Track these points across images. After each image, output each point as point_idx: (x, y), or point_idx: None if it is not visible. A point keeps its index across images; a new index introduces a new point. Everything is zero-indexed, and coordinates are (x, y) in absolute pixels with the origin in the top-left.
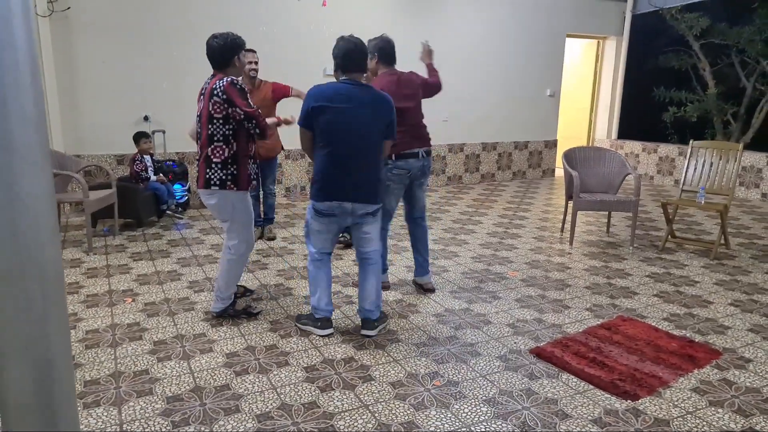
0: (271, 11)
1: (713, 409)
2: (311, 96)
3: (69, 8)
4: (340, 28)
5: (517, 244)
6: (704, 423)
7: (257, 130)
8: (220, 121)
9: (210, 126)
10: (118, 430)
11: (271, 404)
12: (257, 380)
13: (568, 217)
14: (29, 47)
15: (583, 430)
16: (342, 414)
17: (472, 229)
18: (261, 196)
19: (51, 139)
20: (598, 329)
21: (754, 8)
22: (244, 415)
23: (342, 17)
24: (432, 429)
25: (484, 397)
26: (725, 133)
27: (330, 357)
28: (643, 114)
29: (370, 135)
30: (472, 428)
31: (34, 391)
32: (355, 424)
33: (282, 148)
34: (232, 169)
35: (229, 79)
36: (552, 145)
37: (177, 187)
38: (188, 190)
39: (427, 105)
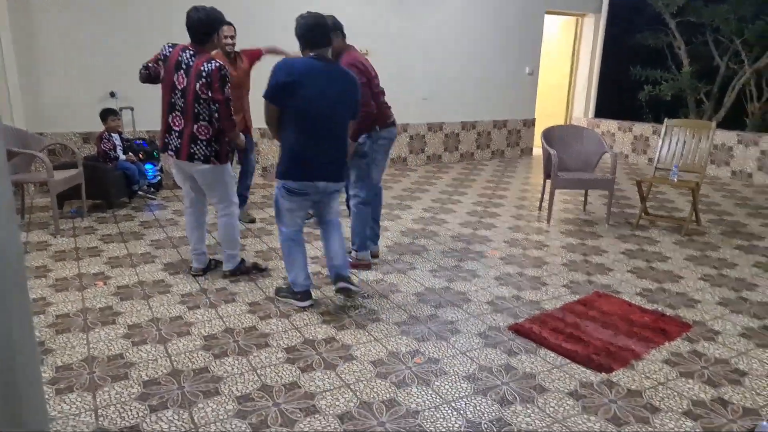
0: None
1: (684, 380)
2: (282, 70)
3: None
4: (312, 2)
5: (496, 223)
6: (675, 393)
7: (217, 115)
8: (207, 102)
9: (196, 105)
10: (93, 415)
11: (252, 386)
12: (237, 362)
13: (546, 196)
14: None
15: (560, 402)
16: (324, 393)
17: (451, 209)
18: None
19: (12, 116)
20: (575, 305)
21: None
22: (224, 398)
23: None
24: (413, 406)
25: (464, 374)
26: (698, 112)
27: (311, 337)
28: (620, 93)
29: (341, 114)
30: (453, 404)
31: None
32: (337, 402)
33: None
34: (215, 146)
35: (218, 65)
36: (530, 123)
37: (148, 166)
38: (161, 170)
39: (407, 84)
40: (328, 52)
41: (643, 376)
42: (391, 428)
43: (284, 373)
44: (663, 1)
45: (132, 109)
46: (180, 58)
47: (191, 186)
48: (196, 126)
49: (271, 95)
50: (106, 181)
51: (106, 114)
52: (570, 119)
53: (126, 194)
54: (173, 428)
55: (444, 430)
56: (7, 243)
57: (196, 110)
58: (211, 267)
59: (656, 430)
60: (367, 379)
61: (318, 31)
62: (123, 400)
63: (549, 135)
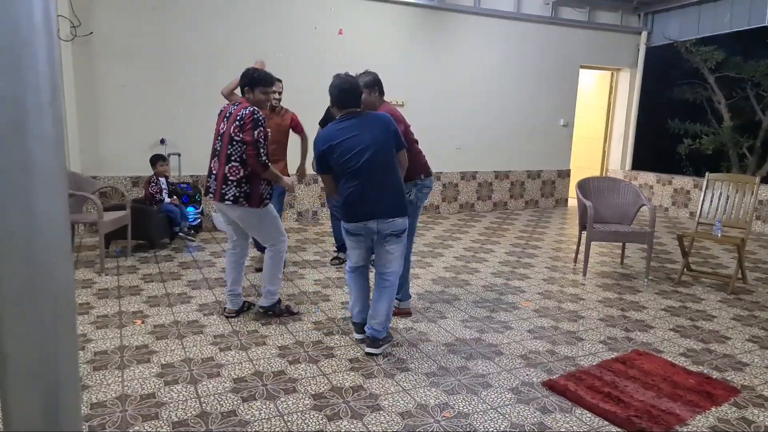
0: (288, 39)
1: None
2: (316, 144)
3: (91, 33)
4: (355, 55)
5: (529, 274)
6: None
7: (244, 156)
8: (239, 143)
9: (230, 147)
10: None
11: None
12: (264, 407)
13: (582, 248)
14: (51, 71)
15: None
16: None
17: (483, 258)
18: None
19: (68, 160)
20: (613, 363)
21: None
22: None
23: (357, 46)
24: None
25: (495, 431)
26: (741, 166)
27: (338, 385)
28: (658, 145)
29: (382, 151)
30: None
31: (42, 416)
32: None
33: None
34: (245, 187)
35: (252, 109)
36: (565, 174)
37: (190, 209)
38: (201, 213)
39: (441, 134)
40: (356, 111)
41: None
42: None
43: (310, 420)
44: (701, 57)
45: (179, 155)
46: (229, 109)
47: (234, 229)
48: (228, 167)
49: (318, 168)
50: (150, 222)
51: (156, 159)
52: (606, 171)
53: (168, 235)
54: None
55: None
56: (62, 286)
57: (228, 151)
58: (244, 309)
59: None
60: None
61: (345, 96)
62: None
63: (584, 186)
